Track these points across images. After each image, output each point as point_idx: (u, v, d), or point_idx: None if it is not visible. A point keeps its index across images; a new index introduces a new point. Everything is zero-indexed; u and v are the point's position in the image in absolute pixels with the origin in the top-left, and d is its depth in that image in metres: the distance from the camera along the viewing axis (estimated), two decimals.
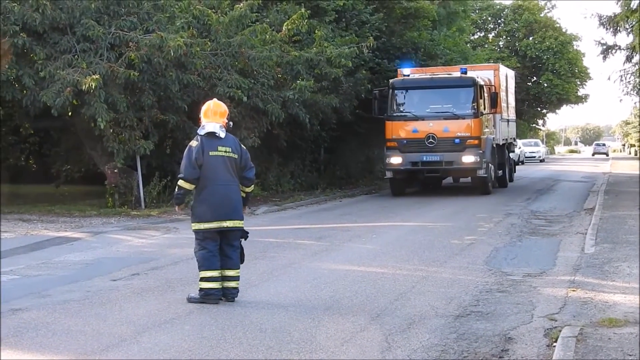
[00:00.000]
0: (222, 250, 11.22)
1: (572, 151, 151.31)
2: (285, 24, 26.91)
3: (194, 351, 8.60)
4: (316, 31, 28.70)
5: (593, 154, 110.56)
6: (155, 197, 24.88)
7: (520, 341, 9.04)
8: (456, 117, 29.16)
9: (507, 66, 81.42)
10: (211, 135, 11.11)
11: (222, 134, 11.19)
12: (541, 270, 13.45)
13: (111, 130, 22.82)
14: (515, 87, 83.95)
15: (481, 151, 28.99)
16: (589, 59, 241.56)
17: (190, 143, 11.17)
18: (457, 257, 15.08)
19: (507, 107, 35.70)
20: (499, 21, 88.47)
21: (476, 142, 28.91)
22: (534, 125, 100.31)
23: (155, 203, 24.64)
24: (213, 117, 11.23)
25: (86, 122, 23.47)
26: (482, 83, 30.16)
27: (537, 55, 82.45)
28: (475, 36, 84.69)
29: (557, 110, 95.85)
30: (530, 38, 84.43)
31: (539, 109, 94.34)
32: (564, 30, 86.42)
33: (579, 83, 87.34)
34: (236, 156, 11.23)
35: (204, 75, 24.08)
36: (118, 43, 22.76)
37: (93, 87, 20.91)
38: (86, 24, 22.31)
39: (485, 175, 29.60)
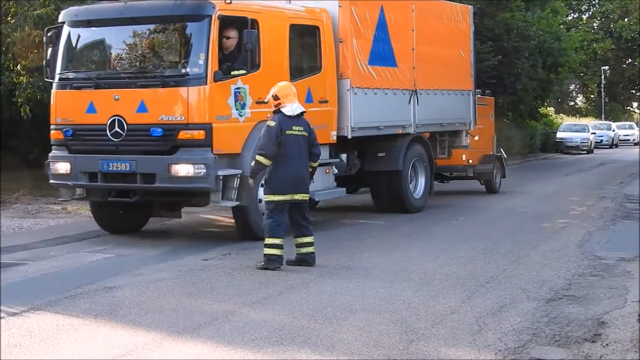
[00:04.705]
0: (296, 221, 12.28)
1: None
2: None
3: (284, 330, 8.64)
4: None
5: None
6: None
7: (614, 326, 8.91)
8: (162, 82, 14.37)
9: (602, 48, 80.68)
10: (287, 115, 12.11)
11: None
12: (635, 255, 13.18)
13: None
14: (609, 68, 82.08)
15: (212, 155, 13.97)
16: None
17: (268, 123, 12.18)
18: (549, 240, 14.91)
19: (426, 68, 19.80)
20: (594, 2, 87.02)
21: (199, 134, 13.98)
22: (628, 107, 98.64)
23: None
24: (293, 98, 12.32)
25: None
26: (250, 17, 14.50)
27: (632, 36, 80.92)
28: (569, 17, 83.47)
29: None
30: (626, 19, 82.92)
31: (633, 92, 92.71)
32: None
33: None
34: (307, 134, 12.27)
35: None
36: None
37: None
38: None
39: (233, 202, 14.34)
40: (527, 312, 9.48)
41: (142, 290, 10.77)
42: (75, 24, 15.39)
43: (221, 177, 14.01)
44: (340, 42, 16.90)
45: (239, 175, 14.18)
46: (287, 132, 11.99)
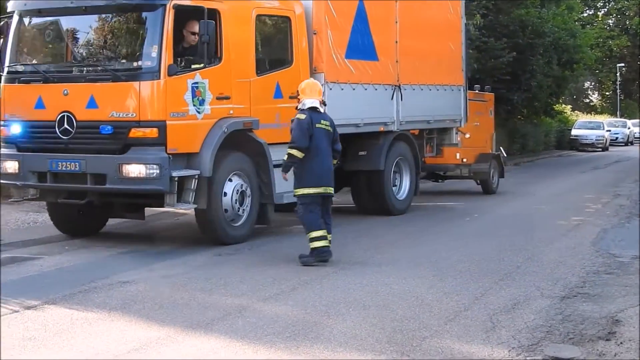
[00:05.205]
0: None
1: None
2: None
3: (297, 326, 8.65)
4: None
5: None
6: None
7: (628, 324, 8.87)
8: (113, 76, 13.31)
9: (617, 45, 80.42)
10: (313, 109, 12.32)
11: (322, 109, 12.48)
12: None
13: None
14: (625, 66, 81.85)
15: (166, 155, 12.94)
16: None
17: (298, 116, 12.25)
18: (564, 238, 14.87)
19: (414, 64, 18.71)
20: None
21: (152, 132, 13.01)
22: None
23: None
24: (312, 94, 12.43)
25: None
26: (208, 6, 13.39)
27: None
28: (584, 14, 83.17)
29: None
30: None
31: None
32: None
33: None
34: (331, 130, 12.47)
35: None
36: None
37: None
38: None
39: (190, 205, 13.45)
40: (541, 309, 9.45)
41: (156, 285, 10.80)
42: (25, 13, 14.39)
43: (176, 179, 13.00)
44: (314, 34, 15.81)
45: (196, 176, 13.21)
46: (317, 125, 12.22)
